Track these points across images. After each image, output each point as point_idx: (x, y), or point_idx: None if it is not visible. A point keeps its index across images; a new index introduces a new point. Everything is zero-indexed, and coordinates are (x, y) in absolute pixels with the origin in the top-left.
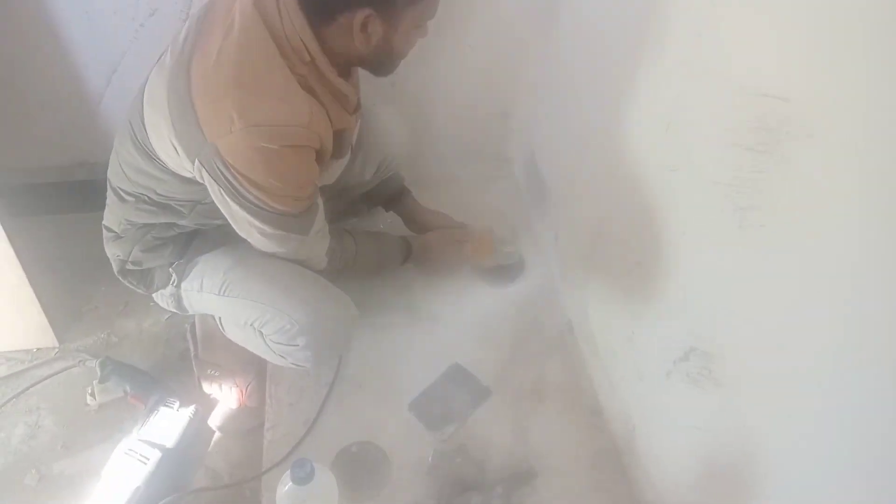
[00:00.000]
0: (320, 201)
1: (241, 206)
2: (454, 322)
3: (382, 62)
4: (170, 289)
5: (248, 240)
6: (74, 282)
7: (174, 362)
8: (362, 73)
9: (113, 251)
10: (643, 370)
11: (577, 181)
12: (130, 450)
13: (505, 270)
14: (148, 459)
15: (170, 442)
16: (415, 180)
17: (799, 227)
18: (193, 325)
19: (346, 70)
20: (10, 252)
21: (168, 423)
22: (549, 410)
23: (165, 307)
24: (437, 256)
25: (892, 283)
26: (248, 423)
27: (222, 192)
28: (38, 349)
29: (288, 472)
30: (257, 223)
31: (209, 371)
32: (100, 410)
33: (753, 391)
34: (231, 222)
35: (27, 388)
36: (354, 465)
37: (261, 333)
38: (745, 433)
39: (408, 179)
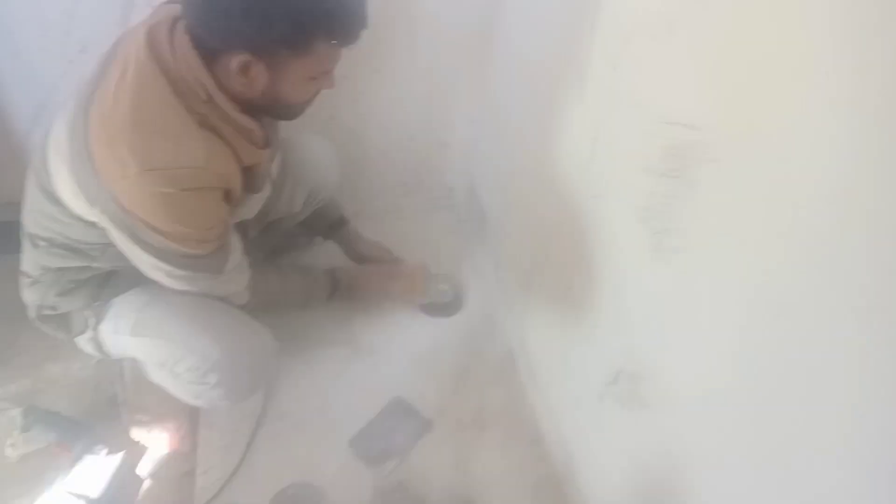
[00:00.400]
0: (234, 238)
1: (144, 250)
2: (395, 354)
3: (274, 109)
4: (88, 333)
5: (159, 282)
6: None
7: (103, 408)
8: None
9: (29, 297)
10: (578, 396)
11: (515, 209)
12: (53, 503)
13: (439, 307)
14: None
15: (95, 492)
16: (356, 211)
17: (710, 248)
18: (122, 368)
19: (250, 109)
20: None
21: (94, 472)
22: (490, 441)
23: (89, 352)
24: (368, 292)
25: (805, 297)
26: (181, 469)
27: (125, 237)
28: None
29: None
30: (164, 266)
31: (138, 416)
32: (21, 462)
33: (678, 413)
34: (137, 266)
35: None
36: None
37: (175, 374)
38: (672, 456)
39: (348, 209)
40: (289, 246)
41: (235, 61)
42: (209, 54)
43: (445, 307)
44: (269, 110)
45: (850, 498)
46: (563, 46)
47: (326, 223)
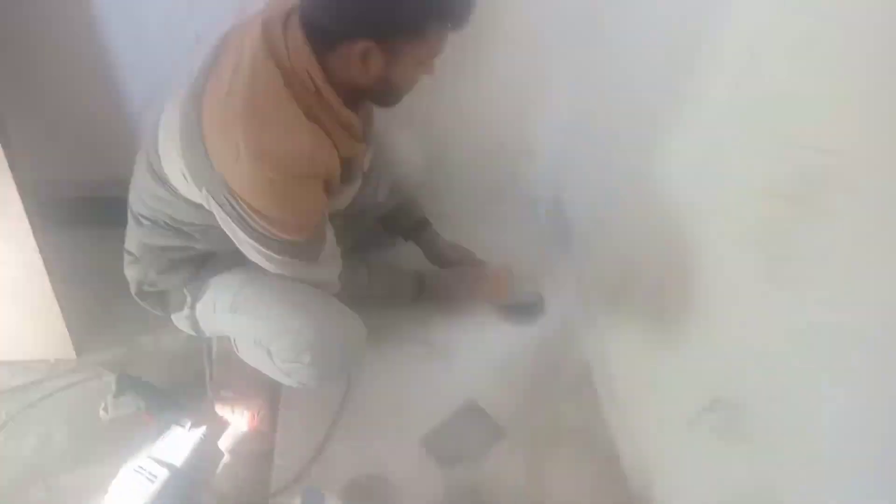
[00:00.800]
0: (330, 228)
1: (247, 233)
2: (471, 358)
3: (383, 94)
4: (185, 310)
5: (258, 263)
6: (99, 296)
7: (191, 382)
8: None
9: (131, 274)
10: (664, 419)
11: (606, 224)
12: (139, 467)
13: (523, 310)
14: (156, 477)
15: (178, 461)
16: (436, 214)
17: (834, 280)
18: (210, 346)
19: (352, 99)
20: (39, 263)
21: (178, 442)
22: (564, 455)
23: (184, 329)
24: (453, 294)
25: None
26: (259, 447)
27: (229, 219)
28: (56, 360)
29: (299, 500)
30: (264, 250)
31: (223, 393)
32: (112, 425)
33: (782, 448)
34: (239, 247)
35: (42, 399)
36: (362, 499)
37: (269, 351)
38: (770, 492)
39: (431, 212)
40: (372, 242)
41: (357, 48)
42: (325, 46)
43: (528, 311)
44: (375, 96)
45: None
46: (678, 58)
47: (408, 224)
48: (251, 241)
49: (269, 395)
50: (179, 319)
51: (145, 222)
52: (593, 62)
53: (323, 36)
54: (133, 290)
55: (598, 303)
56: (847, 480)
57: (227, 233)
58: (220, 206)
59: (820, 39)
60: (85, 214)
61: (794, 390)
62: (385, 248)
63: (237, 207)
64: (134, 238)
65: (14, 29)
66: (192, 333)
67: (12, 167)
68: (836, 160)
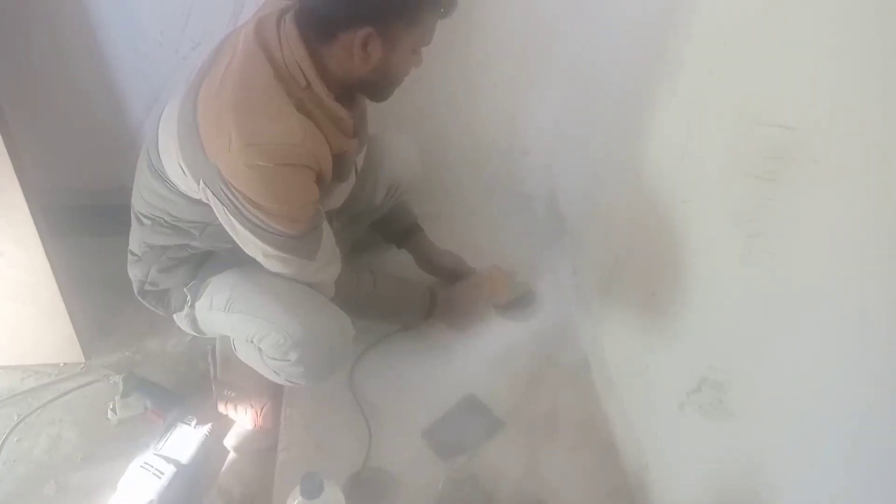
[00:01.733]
0: (327, 227)
1: (243, 225)
2: (469, 353)
3: (379, 84)
4: (186, 310)
5: (257, 259)
6: (105, 301)
7: (195, 382)
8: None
9: (134, 273)
10: (656, 404)
11: (596, 216)
12: (146, 464)
13: (517, 302)
14: (163, 474)
15: (185, 458)
16: (434, 212)
17: (808, 252)
18: (214, 346)
19: (345, 95)
20: (48, 269)
21: (184, 439)
22: (561, 445)
23: (185, 330)
24: (458, 310)
25: None
26: (263, 444)
27: (226, 211)
28: (64, 364)
29: (297, 486)
30: (260, 243)
31: (226, 392)
32: (120, 425)
33: (765, 421)
34: (237, 242)
35: (51, 401)
36: (364, 490)
37: (259, 349)
38: (756, 465)
39: (425, 211)
40: (367, 246)
41: (360, 34)
42: (323, 38)
43: (522, 301)
44: (370, 88)
45: None
46: (655, 51)
47: (399, 229)
48: (248, 234)
49: (271, 393)
50: (180, 319)
51: (146, 221)
52: (578, 59)
53: (324, 26)
54: (135, 289)
55: (591, 294)
56: (829, 450)
57: (226, 227)
58: (216, 196)
59: (780, 20)
60: (91, 222)
61: (774, 364)
62: (382, 251)
63: (231, 197)
64: (136, 238)
65: (18, 46)
66: (193, 333)
67: (19, 174)
68: (798, 135)
